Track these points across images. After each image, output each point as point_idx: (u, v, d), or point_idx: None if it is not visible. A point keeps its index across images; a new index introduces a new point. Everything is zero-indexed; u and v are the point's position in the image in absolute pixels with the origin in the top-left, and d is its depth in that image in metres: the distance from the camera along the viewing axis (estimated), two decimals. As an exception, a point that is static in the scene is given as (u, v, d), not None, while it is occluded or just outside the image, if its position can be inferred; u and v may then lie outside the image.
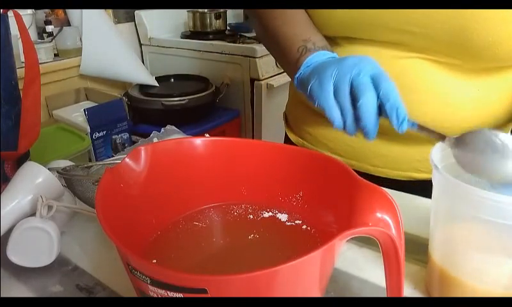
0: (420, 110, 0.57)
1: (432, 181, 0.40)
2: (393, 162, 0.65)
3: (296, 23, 0.58)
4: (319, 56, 0.54)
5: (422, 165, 0.65)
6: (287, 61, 0.58)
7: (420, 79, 0.56)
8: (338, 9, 0.56)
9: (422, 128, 0.45)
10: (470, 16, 0.49)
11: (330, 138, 0.68)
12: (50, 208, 0.49)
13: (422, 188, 0.53)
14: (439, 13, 0.51)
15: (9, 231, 0.47)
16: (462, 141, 0.41)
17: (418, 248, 0.48)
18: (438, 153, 0.41)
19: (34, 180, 0.51)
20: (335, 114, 0.48)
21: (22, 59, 0.65)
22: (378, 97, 0.46)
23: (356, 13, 0.55)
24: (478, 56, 0.53)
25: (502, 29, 0.49)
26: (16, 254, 0.46)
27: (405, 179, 0.66)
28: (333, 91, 0.47)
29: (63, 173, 0.54)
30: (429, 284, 0.44)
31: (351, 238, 0.33)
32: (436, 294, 0.43)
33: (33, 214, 0.48)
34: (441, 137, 0.42)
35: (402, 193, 0.60)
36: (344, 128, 0.49)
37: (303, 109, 0.73)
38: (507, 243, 0.36)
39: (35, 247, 0.47)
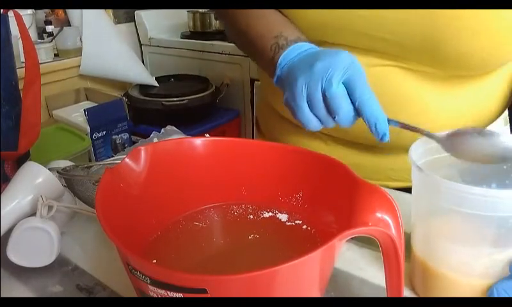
0: (391, 116, 0.57)
1: (412, 177, 0.41)
2: (367, 172, 0.64)
3: (267, 19, 0.56)
4: (292, 52, 0.51)
5: (396, 174, 0.65)
6: (264, 61, 0.56)
7: (394, 87, 0.56)
8: (309, 13, 0.54)
9: (405, 126, 0.44)
10: (442, 28, 0.49)
11: (301, 146, 0.67)
12: (50, 208, 0.49)
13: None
14: (410, 22, 0.50)
15: (9, 231, 0.47)
16: (451, 136, 0.41)
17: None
18: (417, 150, 0.42)
19: (34, 180, 0.51)
20: (312, 125, 0.48)
21: (22, 59, 0.65)
22: (354, 105, 0.44)
23: (328, 17, 0.54)
24: (450, 66, 0.52)
25: (474, 41, 0.49)
26: (16, 254, 0.46)
27: None
28: (307, 104, 0.46)
29: (63, 173, 0.54)
30: (412, 277, 0.44)
31: (351, 238, 0.33)
32: (419, 287, 0.43)
33: (33, 214, 0.48)
34: (426, 134, 0.42)
35: (402, 193, 0.60)
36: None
37: (272, 115, 0.72)
38: (484, 234, 0.38)
39: (35, 247, 0.47)
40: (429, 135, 0.42)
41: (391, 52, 0.54)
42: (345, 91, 0.44)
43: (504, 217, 0.36)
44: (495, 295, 0.37)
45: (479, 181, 0.42)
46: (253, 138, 1.85)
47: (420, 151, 0.43)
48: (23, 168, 0.52)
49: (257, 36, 0.56)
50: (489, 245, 0.38)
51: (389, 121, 0.44)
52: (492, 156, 0.41)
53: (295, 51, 0.51)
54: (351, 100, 0.45)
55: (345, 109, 0.44)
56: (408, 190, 0.60)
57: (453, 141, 0.41)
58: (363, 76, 0.45)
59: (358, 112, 0.45)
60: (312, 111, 0.47)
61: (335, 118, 0.46)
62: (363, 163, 0.64)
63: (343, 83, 0.44)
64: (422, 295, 0.43)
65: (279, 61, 0.51)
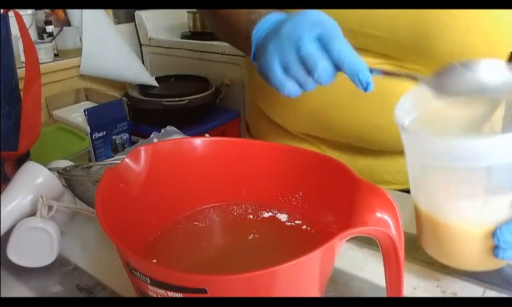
0: (383, 117, 0.57)
1: (401, 138, 0.41)
2: (361, 175, 0.64)
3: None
4: (263, 25, 0.50)
5: (392, 176, 0.65)
6: (243, 42, 0.54)
7: (387, 86, 0.55)
8: None
9: (388, 73, 0.43)
10: (434, 24, 0.49)
11: None
12: (50, 208, 0.49)
13: None
14: (403, 19, 0.50)
15: (9, 231, 0.47)
16: (437, 76, 0.41)
17: (418, 247, 0.48)
18: (402, 110, 0.41)
19: (35, 180, 0.51)
20: (289, 90, 0.45)
21: (22, 59, 0.65)
22: (333, 60, 0.43)
23: None
24: (441, 64, 0.52)
25: (465, 38, 0.49)
26: (16, 254, 0.46)
27: None
28: (280, 69, 0.45)
29: (63, 173, 0.54)
30: (419, 233, 0.44)
31: (351, 238, 0.33)
32: (427, 242, 0.43)
33: (33, 214, 0.48)
34: (412, 77, 0.41)
35: (402, 193, 0.60)
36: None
37: (262, 119, 0.72)
38: (476, 184, 0.37)
39: (35, 247, 0.47)
40: (416, 79, 0.41)
41: (384, 51, 0.54)
42: (320, 46, 0.43)
43: (491, 166, 0.35)
44: (499, 236, 0.37)
45: (476, 127, 0.42)
46: (253, 138, 1.85)
47: (405, 110, 0.42)
48: (23, 168, 0.52)
49: (234, 19, 0.55)
50: (485, 194, 0.37)
51: (371, 70, 0.42)
52: (472, 86, 0.39)
53: (265, 23, 0.50)
54: (328, 55, 0.43)
55: (322, 64, 0.42)
56: (405, 192, 0.60)
57: (439, 80, 0.40)
58: (336, 29, 0.43)
59: (337, 66, 0.43)
60: (289, 74, 0.45)
61: (313, 76, 0.43)
62: (357, 166, 0.63)
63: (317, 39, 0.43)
64: (429, 251, 0.43)
65: (252, 37, 0.50)
